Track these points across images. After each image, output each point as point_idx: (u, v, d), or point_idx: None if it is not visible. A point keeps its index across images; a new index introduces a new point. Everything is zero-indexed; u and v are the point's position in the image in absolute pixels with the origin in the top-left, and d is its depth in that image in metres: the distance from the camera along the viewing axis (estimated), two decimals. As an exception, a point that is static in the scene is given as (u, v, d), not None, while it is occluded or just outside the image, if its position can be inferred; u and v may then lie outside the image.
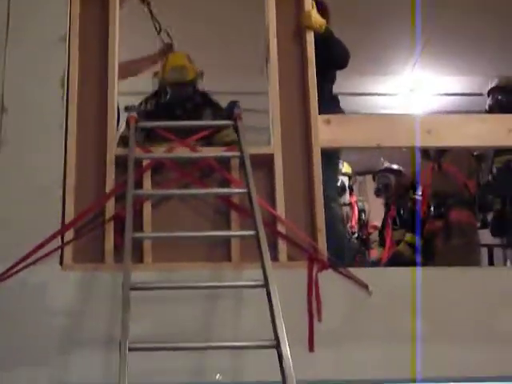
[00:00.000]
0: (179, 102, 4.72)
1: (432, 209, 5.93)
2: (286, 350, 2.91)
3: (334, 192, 4.75)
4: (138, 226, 3.90)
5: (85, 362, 3.65)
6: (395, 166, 7.09)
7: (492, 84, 5.70)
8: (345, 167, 7.68)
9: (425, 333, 3.78)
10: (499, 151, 5.50)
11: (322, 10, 4.71)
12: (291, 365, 2.84)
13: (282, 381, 2.85)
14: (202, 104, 4.75)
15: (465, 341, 3.85)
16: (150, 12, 5.10)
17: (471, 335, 3.87)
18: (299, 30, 4.38)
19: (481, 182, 5.76)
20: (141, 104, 4.81)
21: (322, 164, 4.16)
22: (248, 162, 3.85)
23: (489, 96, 5.69)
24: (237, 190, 4.04)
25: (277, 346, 2.97)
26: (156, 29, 5.19)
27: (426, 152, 6.04)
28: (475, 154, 5.83)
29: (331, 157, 4.63)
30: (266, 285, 3.23)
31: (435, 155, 6.01)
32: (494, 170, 5.57)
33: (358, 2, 6.27)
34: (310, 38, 4.33)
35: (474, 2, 6.45)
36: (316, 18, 4.34)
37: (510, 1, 6.34)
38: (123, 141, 4.25)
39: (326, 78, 4.63)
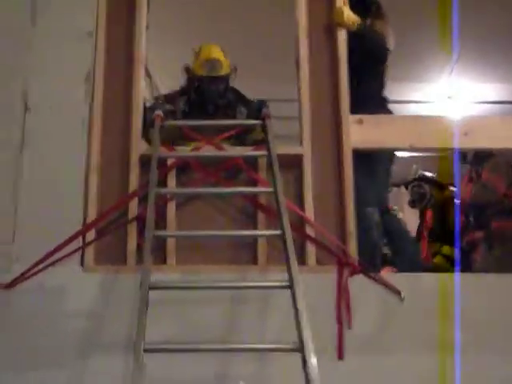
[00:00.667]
0: (211, 99, 4.46)
1: (471, 219, 5.73)
2: (310, 353, 2.67)
3: (374, 197, 4.48)
4: (163, 226, 3.80)
5: (105, 365, 3.54)
6: (430, 174, 6.85)
7: None
8: None
9: (460, 342, 3.60)
10: None
11: (377, 9, 4.65)
12: (316, 369, 2.60)
13: None
14: (235, 101, 4.52)
15: (504, 352, 3.66)
16: None
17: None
18: (331, 28, 4.25)
19: None
20: (169, 100, 4.53)
21: (365, 167, 4.14)
22: (275, 161, 3.70)
23: None
24: (262, 189, 3.92)
25: (301, 349, 2.74)
26: None
27: (463, 158, 5.85)
28: None
29: (377, 160, 4.48)
30: (291, 286, 3.04)
31: (474, 163, 5.82)
32: None
33: (395, 8, 6.07)
34: (342, 35, 4.20)
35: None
36: (349, 15, 4.21)
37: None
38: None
39: (369, 75, 4.51)
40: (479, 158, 5.75)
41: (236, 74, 4.54)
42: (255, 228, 3.88)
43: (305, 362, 2.67)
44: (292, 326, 2.98)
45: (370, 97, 4.49)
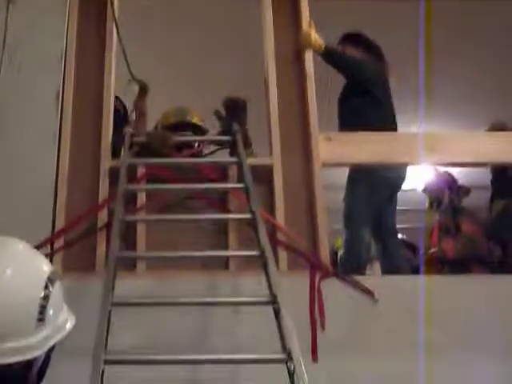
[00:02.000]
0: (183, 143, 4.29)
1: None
2: (300, 364, 2.62)
3: (369, 218, 4.48)
4: (132, 231, 3.78)
5: (71, 373, 3.39)
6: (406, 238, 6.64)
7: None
8: None
9: (433, 343, 3.55)
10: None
11: (378, 55, 4.77)
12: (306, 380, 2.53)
13: None
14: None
15: (477, 352, 3.60)
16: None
17: (484, 346, 3.62)
18: (298, 50, 4.35)
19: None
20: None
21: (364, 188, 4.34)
22: (247, 170, 3.71)
23: None
24: (239, 216, 3.86)
25: (289, 360, 2.69)
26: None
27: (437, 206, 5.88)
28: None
29: (377, 183, 4.50)
30: (274, 302, 3.00)
31: (450, 215, 5.84)
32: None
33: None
34: (309, 56, 4.29)
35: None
36: (315, 38, 4.31)
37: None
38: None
39: (352, 92, 4.62)
40: (454, 210, 5.81)
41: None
42: (226, 228, 3.87)
43: (293, 372, 2.63)
44: (266, 330, 2.97)
45: (356, 112, 4.55)
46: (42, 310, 1.71)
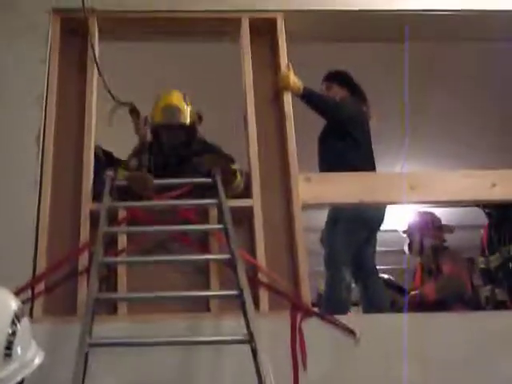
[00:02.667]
0: (172, 150, 4.26)
1: None
2: None
3: (349, 258, 4.51)
4: (114, 276, 3.78)
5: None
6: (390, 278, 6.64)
7: None
8: None
9: (416, 381, 3.54)
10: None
11: (361, 95, 4.86)
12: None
13: None
14: (201, 151, 4.26)
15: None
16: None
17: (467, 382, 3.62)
18: (277, 91, 4.40)
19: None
20: (134, 156, 4.32)
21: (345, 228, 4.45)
22: (227, 211, 3.73)
23: None
24: (218, 256, 3.84)
25: None
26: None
27: (420, 251, 5.87)
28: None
29: (358, 222, 4.56)
30: (250, 340, 3.03)
31: (430, 256, 5.84)
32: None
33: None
34: (288, 97, 4.34)
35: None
36: (294, 80, 4.35)
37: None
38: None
39: (331, 133, 4.70)
40: (434, 250, 5.82)
41: (201, 122, 4.34)
42: (207, 268, 3.87)
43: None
44: (248, 369, 2.96)
45: (340, 154, 4.60)
46: (9, 345, 1.71)
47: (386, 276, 6.49)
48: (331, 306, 4.29)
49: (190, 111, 4.27)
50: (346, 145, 4.62)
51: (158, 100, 4.31)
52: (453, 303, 5.38)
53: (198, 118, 4.32)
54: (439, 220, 5.97)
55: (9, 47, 4.28)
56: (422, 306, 5.35)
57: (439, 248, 5.83)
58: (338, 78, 4.90)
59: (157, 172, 4.12)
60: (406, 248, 5.93)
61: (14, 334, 1.73)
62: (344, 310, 4.31)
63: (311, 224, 4.65)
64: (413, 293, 5.60)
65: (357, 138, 4.66)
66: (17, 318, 1.77)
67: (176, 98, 4.26)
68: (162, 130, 4.27)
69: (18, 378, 1.75)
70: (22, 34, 4.31)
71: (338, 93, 4.83)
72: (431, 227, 5.86)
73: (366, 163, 4.65)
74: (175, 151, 4.30)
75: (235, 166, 4.15)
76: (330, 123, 4.71)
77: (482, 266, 5.55)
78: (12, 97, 4.16)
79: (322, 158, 4.75)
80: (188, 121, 4.24)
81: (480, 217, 5.79)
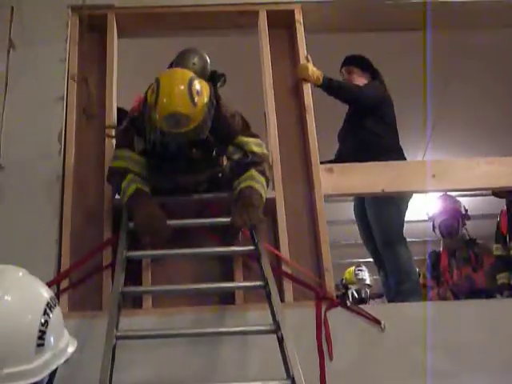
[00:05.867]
0: (180, 154, 3.63)
1: None
2: None
3: (395, 235, 4.52)
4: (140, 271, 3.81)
5: (81, 410, 3.40)
6: None
7: None
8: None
9: (441, 369, 3.54)
10: None
11: (381, 81, 4.81)
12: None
13: None
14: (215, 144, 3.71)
15: (487, 378, 3.60)
16: None
17: (492, 372, 3.61)
18: (296, 83, 4.40)
19: None
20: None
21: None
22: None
23: None
24: (244, 248, 3.77)
25: None
26: None
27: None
28: None
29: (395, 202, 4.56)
30: (276, 330, 3.08)
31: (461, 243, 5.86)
32: None
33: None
34: (308, 88, 4.34)
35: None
36: (313, 71, 4.35)
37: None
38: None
39: (359, 126, 4.67)
40: (464, 237, 5.82)
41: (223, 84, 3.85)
42: (231, 267, 3.86)
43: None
44: (274, 360, 2.99)
45: (363, 141, 4.60)
46: (42, 335, 1.73)
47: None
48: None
49: (199, 105, 3.43)
50: (381, 125, 4.63)
51: (158, 94, 3.42)
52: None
53: (211, 102, 3.51)
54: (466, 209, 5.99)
55: (28, 47, 4.30)
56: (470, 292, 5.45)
57: (471, 237, 5.85)
58: (358, 62, 4.86)
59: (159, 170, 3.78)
60: (437, 230, 5.94)
61: (46, 323, 1.75)
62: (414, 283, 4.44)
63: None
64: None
65: (390, 118, 4.69)
66: (49, 307, 1.79)
67: (180, 99, 3.40)
68: (166, 134, 3.48)
69: (52, 367, 1.76)
70: (41, 33, 4.35)
71: (360, 77, 4.79)
72: (465, 213, 5.88)
73: (398, 143, 4.69)
74: (183, 154, 3.68)
75: (258, 150, 3.75)
76: (357, 108, 4.69)
77: (499, 252, 5.52)
78: (33, 96, 4.19)
79: (352, 142, 4.72)
80: (200, 119, 3.46)
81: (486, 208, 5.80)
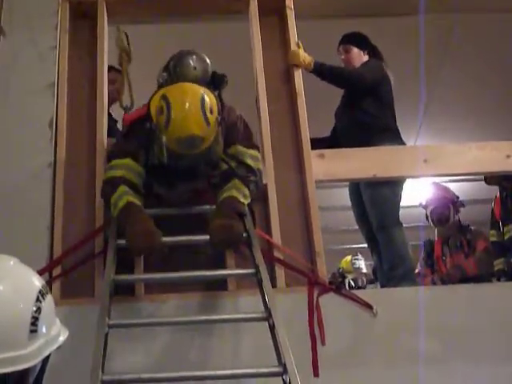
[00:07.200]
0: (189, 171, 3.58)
1: None
2: (295, 376, 2.66)
3: (391, 218, 4.44)
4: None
5: (73, 399, 3.40)
6: None
7: None
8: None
9: (433, 354, 3.57)
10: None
11: (380, 55, 4.79)
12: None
13: None
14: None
15: (478, 362, 3.62)
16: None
17: (484, 356, 3.63)
18: (287, 69, 4.39)
19: None
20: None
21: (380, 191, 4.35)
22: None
23: None
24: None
25: (285, 373, 2.75)
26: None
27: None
28: None
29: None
30: (268, 318, 3.07)
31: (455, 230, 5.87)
32: None
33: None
34: (299, 74, 4.33)
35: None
36: (304, 57, 4.34)
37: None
38: None
39: (355, 105, 4.62)
40: (458, 225, 5.83)
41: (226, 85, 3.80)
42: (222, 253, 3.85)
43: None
44: (266, 347, 3.00)
45: (361, 124, 4.56)
46: (35, 321, 1.76)
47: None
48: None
49: (214, 119, 3.39)
50: (378, 105, 4.58)
51: (171, 116, 3.32)
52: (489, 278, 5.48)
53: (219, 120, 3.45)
54: (457, 195, 6.01)
55: (19, 35, 4.28)
56: (462, 280, 5.44)
57: (463, 224, 5.87)
58: (356, 39, 4.78)
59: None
60: (429, 219, 5.95)
61: (39, 310, 1.78)
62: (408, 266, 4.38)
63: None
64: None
65: (387, 98, 4.64)
66: (41, 294, 1.81)
67: (196, 120, 3.31)
68: (176, 154, 3.40)
69: (45, 353, 1.79)
70: (31, 21, 4.32)
71: (359, 56, 4.73)
72: (457, 201, 5.89)
73: (395, 123, 4.65)
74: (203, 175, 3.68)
75: (252, 163, 3.67)
76: (352, 90, 4.64)
77: (494, 238, 5.54)
78: (24, 84, 4.17)
79: (348, 121, 4.68)
80: (212, 137, 3.40)
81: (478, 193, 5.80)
